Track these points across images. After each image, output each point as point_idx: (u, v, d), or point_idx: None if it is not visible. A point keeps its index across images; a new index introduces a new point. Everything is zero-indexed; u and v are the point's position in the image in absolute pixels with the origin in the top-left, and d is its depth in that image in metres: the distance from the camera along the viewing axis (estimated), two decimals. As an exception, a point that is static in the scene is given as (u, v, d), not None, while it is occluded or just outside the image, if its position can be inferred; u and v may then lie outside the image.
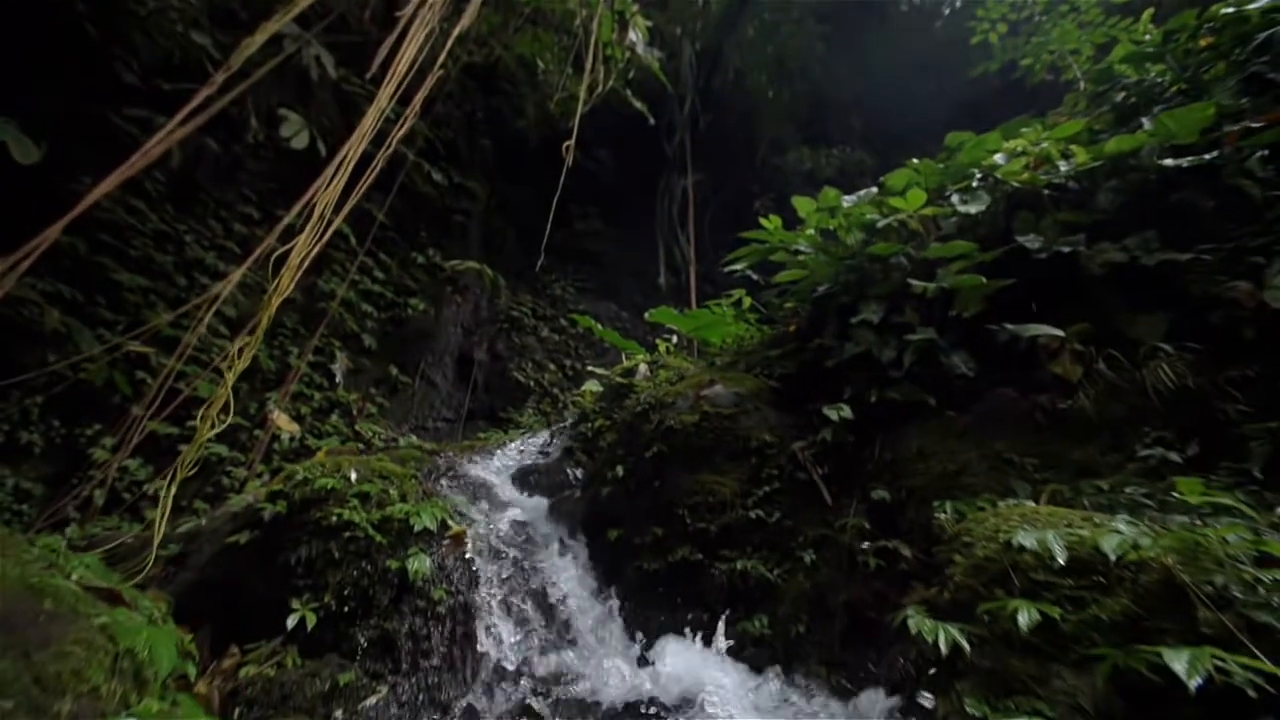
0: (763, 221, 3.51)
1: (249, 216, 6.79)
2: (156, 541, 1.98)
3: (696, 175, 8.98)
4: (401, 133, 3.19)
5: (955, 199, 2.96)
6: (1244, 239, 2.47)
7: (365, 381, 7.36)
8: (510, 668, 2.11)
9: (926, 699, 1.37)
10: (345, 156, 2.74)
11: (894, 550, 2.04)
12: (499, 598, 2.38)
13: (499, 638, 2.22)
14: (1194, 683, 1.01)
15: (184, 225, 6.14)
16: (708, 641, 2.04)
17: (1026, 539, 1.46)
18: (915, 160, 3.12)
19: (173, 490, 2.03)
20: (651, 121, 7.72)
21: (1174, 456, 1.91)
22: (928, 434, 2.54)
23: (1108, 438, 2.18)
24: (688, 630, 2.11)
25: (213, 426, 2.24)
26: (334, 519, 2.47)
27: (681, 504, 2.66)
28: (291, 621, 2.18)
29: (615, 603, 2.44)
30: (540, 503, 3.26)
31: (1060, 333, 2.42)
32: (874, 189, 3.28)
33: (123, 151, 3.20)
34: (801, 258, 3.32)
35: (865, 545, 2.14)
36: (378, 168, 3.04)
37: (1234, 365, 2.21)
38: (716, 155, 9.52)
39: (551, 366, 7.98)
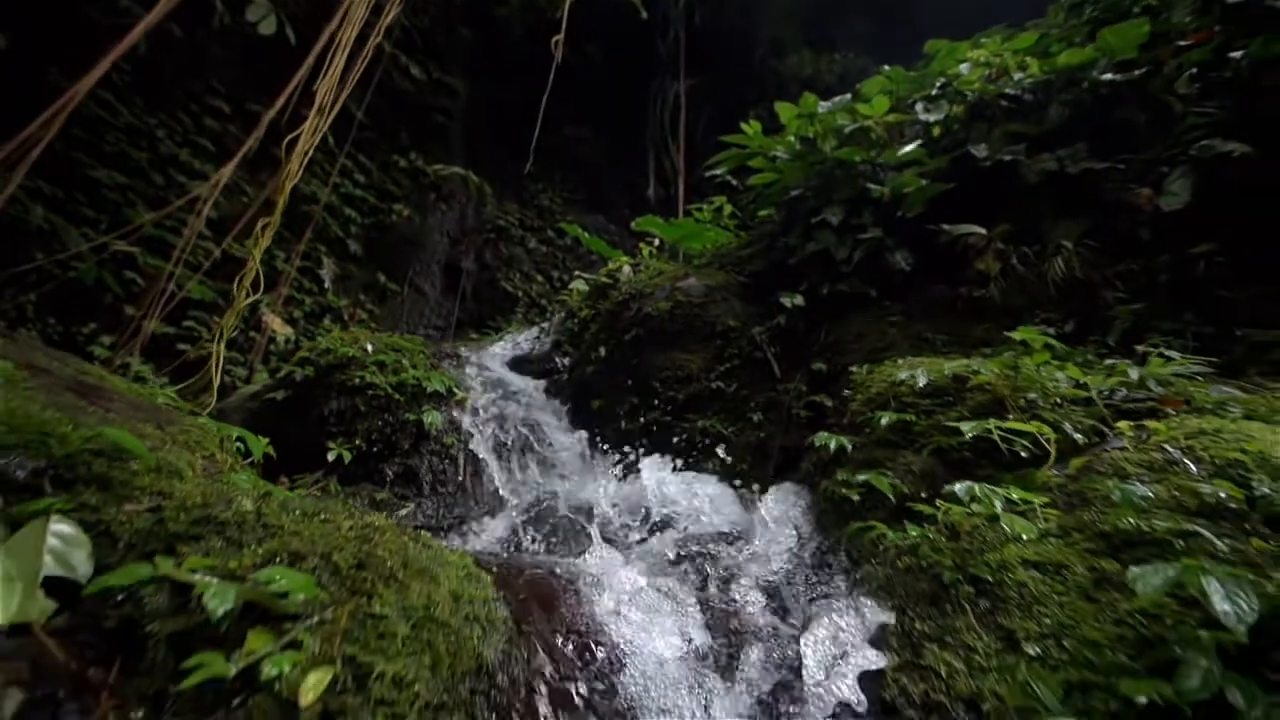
0: (744, 126, 3.78)
1: (219, 110, 6.75)
2: (216, 383, 2.47)
3: (691, 79, 8.83)
4: (389, 19, 3.32)
5: (919, 107, 3.27)
6: (1160, 151, 2.87)
7: (354, 288, 7.70)
8: (513, 494, 2.73)
9: (815, 480, 1.98)
10: (338, 40, 2.93)
11: (820, 403, 2.62)
12: (502, 446, 2.97)
13: (503, 473, 2.83)
14: (969, 435, 1.58)
15: (154, 119, 6.14)
16: (673, 470, 2.66)
17: (902, 374, 2.01)
18: (888, 67, 3.37)
19: (222, 344, 2.50)
20: (644, 15, 7.50)
21: (1051, 331, 2.44)
22: (866, 321, 3.06)
23: (1007, 320, 2.71)
24: (658, 462, 2.73)
25: (247, 296, 2.67)
26: (357, 380, 2.99)
27: (655, 378, 3.21)
28: (330, 457, 2.75)
29: (599, 449, 3.05)
30: (532, 383, 3.81)
31: (984, 232, 2.87)
32: (849, 95, 3.55)
33: (87, 38, 3.28)
34: (776, 163, 3.64)
35: (799, 401, 2.71)
36: (369, 55, 3.22)
37: (1124, 261, 2.71)
38: (712, 57, 9.27)
39: (539, 278, 8.33)
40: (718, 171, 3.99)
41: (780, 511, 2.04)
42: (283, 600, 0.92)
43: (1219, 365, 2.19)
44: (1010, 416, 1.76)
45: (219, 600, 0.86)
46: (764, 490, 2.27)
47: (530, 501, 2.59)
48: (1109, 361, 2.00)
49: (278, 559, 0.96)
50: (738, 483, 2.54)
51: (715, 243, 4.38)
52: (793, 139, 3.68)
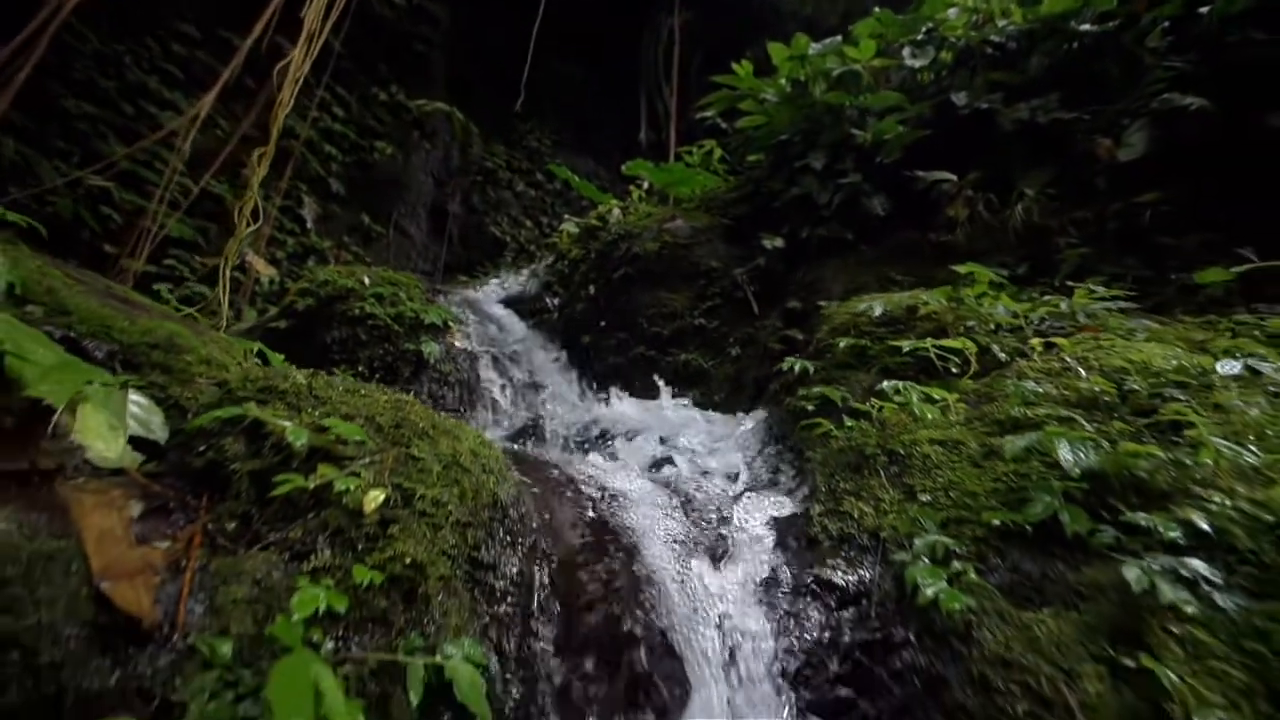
0: (735, 67, 3.87)
1: (187, 36, 6.56)
2: (225, 307, 2.68)
3: (685, 14, 8.62)
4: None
5: (906, 52, 3.40)
6: (1127, 103, 3.07)
7: (337, 229, 7.71)
8: (508, 417, 3.02)
9: (781, 399, 2.29)
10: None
11: (792, 337, 2.91)
12: (496, 374, 3.24)
13: (499, 398, 3.11)
14: (907, 351, 1.88)
15: (121, 46, 5.97)
16: (655, 398, 2.96)
17: (861, 305, 2.29)
18: (878, 10, 3.47)
19: (228, 270, 2.69)
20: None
21: (1004, 272, 2.72)
22: (842, 263, 3.31)
23: (969, 262, 2.98)
24: (643, 390, 3.03)
25: (248, 225, 2.83)
26: (357, 310, 3.20)
27: (642, 315, 3.47)
28: (336, 380, 3.00)
29: (587, 381, 3.34)
30: (523, 321, 4.05)
31: (955, 179, 3.09)
32: (839, 37, 3.65)
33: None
34: (766, 106, 3.77)
35: (774, 336, 3.00)
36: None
37: (1080, 209, 2.97)
38: (710, -11, 9.00)
39: (528, 223, 8.39)
40: (708, 113, 4.10)
41: (749, 426, 2.36)
42: (341, 445, 1.20)
43: (1150, 304, 2.50)
44: (950, 339, 2.05)
45: (297, 436, 1.14)
46: (736, 412, 2.58)
47: (524, 423, 2.89)
48: (1046, 296, 2.29)
49: (331, 419, 1.23)
50: (715, 408, 2.85)
51: (704, 187, 4.54)
52: (784, 82, 3.79)
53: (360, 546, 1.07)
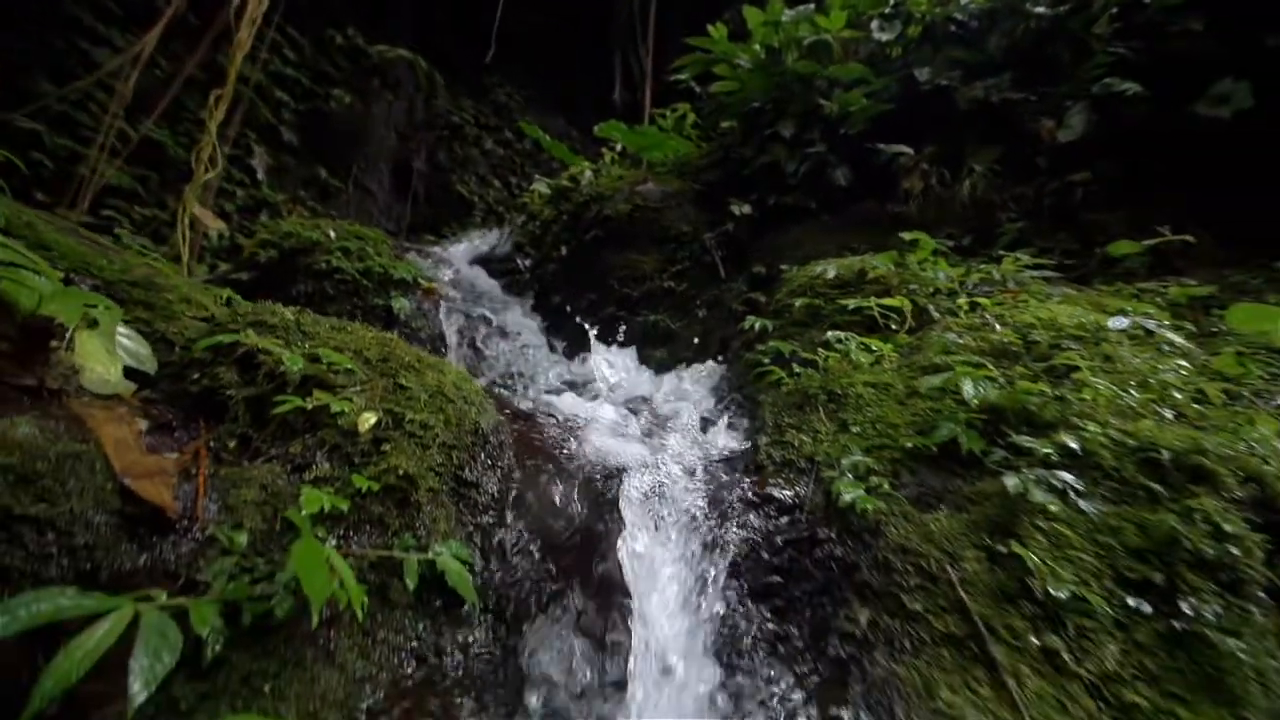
0: (710, 30, 3.93)
1: (122, -39, 6.08)
2: (185, 257, 2.67)
3: (663, -32, 8.45)
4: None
5: (874, 25, 3.54)
6: (1071, 86, 3.32)
7: (291, 182, 7.43)
8: (480, 375, 3.13)
9: (741, 354, 2.49)
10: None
11: (755, 299, 3.11)
12: (469, 331, 3.33)
13: (470, 355, 3.22)
14: (852, 307, 2.09)
15: (43, -37, 5.50)
16: (625, 356, 3.12)
17: (818, 268, 2.49)
18: (851, -22, 3.58)
19: (188, 217, 2.67)
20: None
21: (950, 243, 2.96)
22: (805, 231, 3.50)
23: (922, 233, 3.21)
24: (613, 349, 3.19)
25: (206, 170, 2.79)
26: (323, 264, 3.21)
27: (613, 276, 3.59)
28: (304, 333, 3.03)
29: (558, 341, 3.47)
30: (494, 280, 4.11)
31: (912, 153, 3.30)
32: (812, 5, 3.75)
33: None
34: (739, 72, 3.86)
35: (739, 299, 3.19)
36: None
37: (1021, 186, 3.23)
38: (688, -56, 8.82)
39: (497, 183, 8.27)
40: (683, 76, 4.16)
41: (713, 380, 2.56)
42: (333, 374, 1.32)
43: (1075, 274, 2.80)
44: (892, 299, 2.28)
45: (293, 363, 1.25)
46: (701, 367, 2.78)
47: (496, 378, 3.01)
48: (982, 264, 2.54)
49: (323, 349, 1.34)
50: (682, 365, 3.04)
51: (677, 152, 4.62)
52: (758, 48, 3.88)
53: (356, 461, 1.21)
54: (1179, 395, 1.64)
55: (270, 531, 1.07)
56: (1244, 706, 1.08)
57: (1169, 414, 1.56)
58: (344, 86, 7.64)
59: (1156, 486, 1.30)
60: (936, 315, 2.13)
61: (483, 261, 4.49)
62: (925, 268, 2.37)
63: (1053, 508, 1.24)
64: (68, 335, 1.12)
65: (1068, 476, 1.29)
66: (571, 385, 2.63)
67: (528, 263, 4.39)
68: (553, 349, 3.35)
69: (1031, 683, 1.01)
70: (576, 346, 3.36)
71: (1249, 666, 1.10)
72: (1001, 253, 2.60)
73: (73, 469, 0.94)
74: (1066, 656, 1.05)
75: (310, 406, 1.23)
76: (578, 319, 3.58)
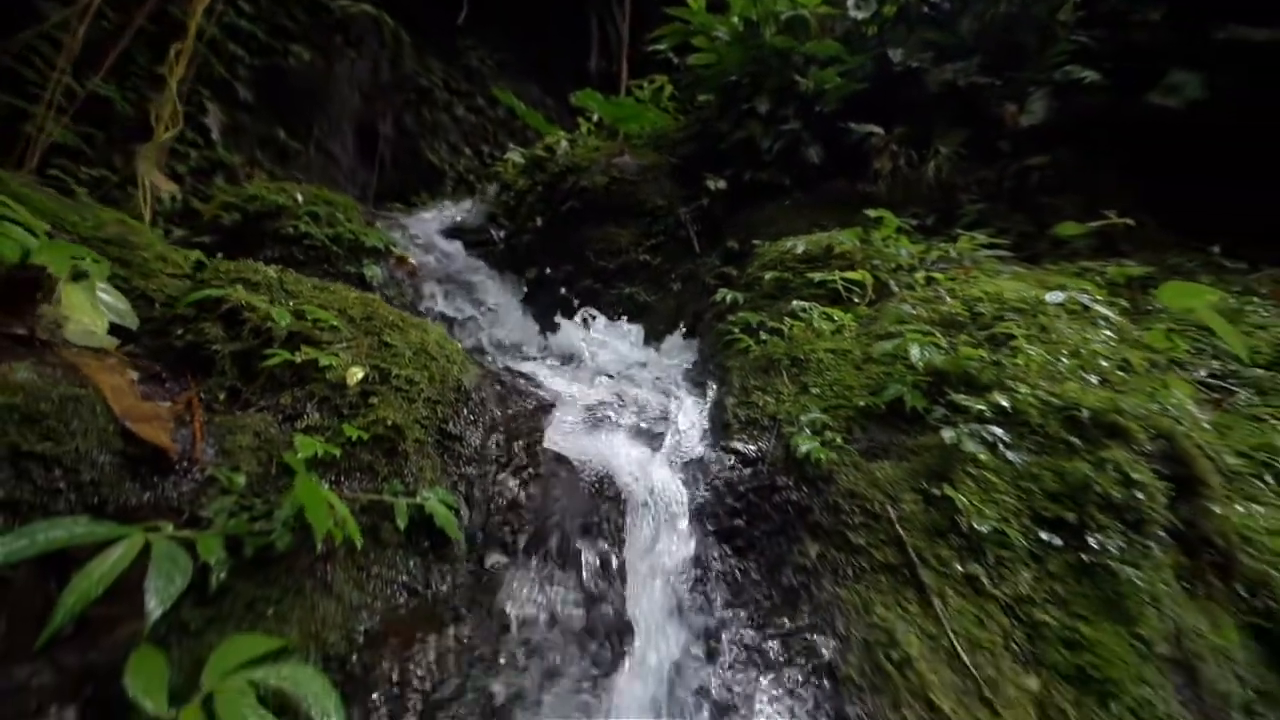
0: (689, 0, 3.96)
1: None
2: (148, 216, 2.62)
3: (642, -69, 8.30)
4: None
5: (851, 2, 3.63)
6: (1034, 72, 3.49)
7: (248, 143, 7.14)
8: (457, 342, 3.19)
9: (713, 326, 2.62)
10: None
11: (728, 273, 3.23)
12: (442, 300, 3.37)
13: (445, 325, 3.26)
14: (817, 280, 2.24)
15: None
16: (603, 328, 3.22)
17: (788, 244, 2.62)
18: (828, -46, 3.65)
19: (149, 176, 2.61)
20: None
21: (913, 221, 3.13)
22: (778, 207, 3.63)
23: (890, 212, 3.38)
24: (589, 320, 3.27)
25: (167, 128, 2.73)
26: (290, 230, 3.19)
27: (589, 249, 3.66)
28: (273, 299, 3.03)
29: (534, 312, 3.54)
30: (468, 251, 4.13)
31: (883, 133, 3.44)
32: (791, -20, 3.81)
33: None
34: (717, 44, 3.91)
35: (712, 273, 3.31)
36: None
37: (984, 169, 3.42)
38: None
39: (468, 152, 8.12)
40: (660, 46, 4.19)
41: (685, 350, 2.69)
42: (319, 331, 1.38)
43: (1027, 254, 3.01)
44: (854, 272, 2.43)
45: (281, 316, 1.31)
46: (675, 338, 2.90)
47: (471, 347, 3.07)
48: (942, 243, 2.71)
49: (306, 308, 1.41)
50: (656, 337, 3.16)
51: (654, 125, 4.66)
52: (736, 20, 3.93)
53: (345, 412, 1.29)
54: (1105, 363, 1.84)
55: (266, 475, 1.15)
56: (1139, 625, 1.28)
57: (1094, 379, 1.75)
58: (303, 42, 7.33)
59: (1075, 440, 1.49)
60: (896, 289, 2.29)
61: (456, 232, 4.49)
62: (888, 244, 2.53)
63: (982, 457, 1.41)
64: (53, 288, 1.16)
65: (998, 430, 1.47)
66: (548, 355, 2.72)
67: (501, 234, 4.41)
68: (528, 320, 3.42)
69: (954, 602, 1.19)
70: (552, 318, 3.44)
71: (1145, 592, 1.31)
72: (959, 232, 2.77)
73: (75, 410, 1.00)
74: (986, 581, 1.23)
75: (299, 360, 1.30)
76: (554, 290, 3.64)
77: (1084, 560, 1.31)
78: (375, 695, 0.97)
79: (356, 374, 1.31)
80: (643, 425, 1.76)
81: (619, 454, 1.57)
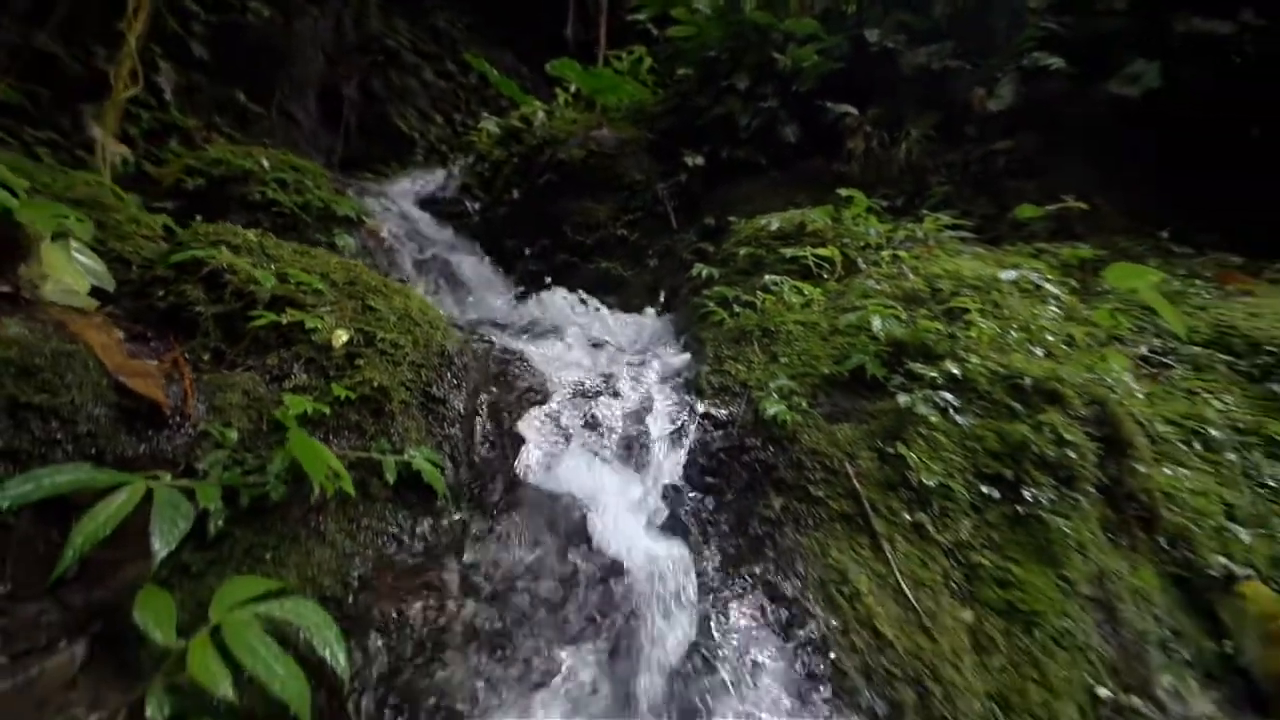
0: (669, -31, 3.95)
1: None
2: (108, 179, 2.55)
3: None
4: None
5: (829, -20, 3.69)
6: (1002, 58, 3.63)
7: (204, 105, 6.84)
8: (429, 314, 3.21)
9: (688, 299, 2.72)
10: None
11: (704, 249, 3.32)
12: (417, 272, 3.38)
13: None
14: (789, 255, 2.35)
15: None
16: (580, 301, 3.28)
17: (763, 221, 2.72)
18: (809, -71, 3.69)
19: (112, 120, 2.56)
20: None
21: (883, 202, 3.27)
22: (754, 185, 3.72)
23: (863, 192, 3.51)
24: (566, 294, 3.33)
25: (126, 87, 2.65)
26: (258, 196, 3.14)
27: (566, 222, 3.70)
28: (241, 268, 3.00)
29: (510, 285, 3.57)
30: (441, 223, 4.11)
31: (858, 113, 3.54)
32: (771, -47, 3.84)
33: None
34: (697, 17, 3.94)
35: (689, 249, 3.40)
36: None
37: (952, 151, 3.57)
38: None
39: (439, 119, 7.94)
40: (640, 16, 4.18)
41: (662, 323, 2.79)
42: (303, 294, 1.43)
43: (989, 236, 3.18)
44: (825, 249, 2.55)
45: (266, 279, 1.35)
46: (652, 313, 2.99)
47: (448, 319, 3.11)
48: (909, 223, 2.85)
49: (289, 271, 1.45)
50: (633, 311, 3.24)
51: (632, 97, 4.67)
52: (718, -8, 3.95)
53: (332, 373, 1.35)
54: (1051, 337, 2.01)
55: (257, 431, 1.21)
56: (1064, 567, 1.45)
57: (1039, 351, 1.92)
58: (261, -2, 7.01)
59: (1017, 405, 1.64)
60: (863, 266, 2.42)
61: (429, 202, 4.46)
62: (858, 223, 2.66)
63: (933, 419, 1.55)
64: (32, 247, 1.18)
65: (949, 396, 1.61)
66: (527, 327, 2.78)
67: (476, 205, 4.40)
68: (506, 293, 3.46)
69: (901, 546, 1.33)
70: (530, 291, 3.48)
71: (1072, 540, 1.48)
72: (926, 213, 2.92)
73: (68, 365, 1.04)
74: (930, 528, 1.38)
75: (285, 322, 1.34)
76: (531, 264, 3.68)
77: (1019, 511, 1.47)
78: (373, 633, 1.06)
79: (342, 337, 1.37)
80: (619, 390, 1.86)
81: (595, 414, 1.67)
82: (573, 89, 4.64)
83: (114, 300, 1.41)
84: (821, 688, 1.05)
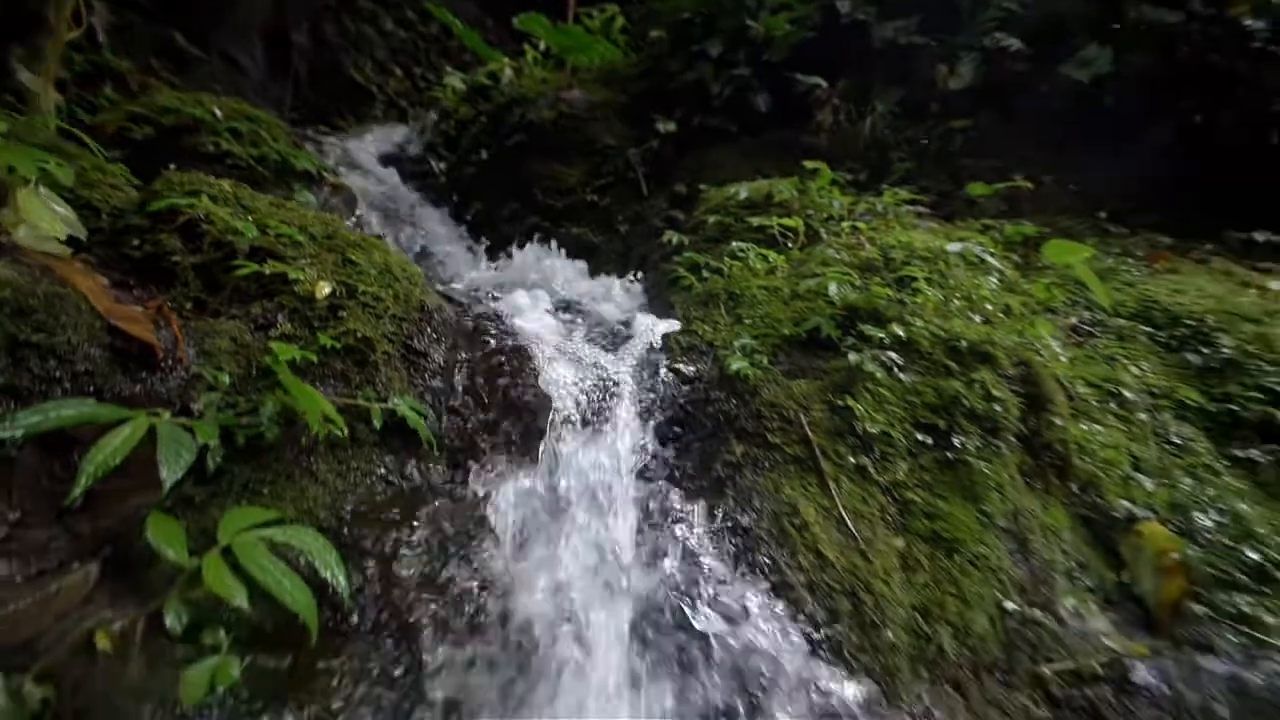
0: (643, -75, 3.93)
1: None
2: (52, 125, 2.45)
3: None
4: None
5: (804, -53, 3.76)
6: (966, 36, 3.80)
7: (141, 48, 6.40)
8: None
9: (659, 266, 2.84)
10: None
11: (675, 217, 3.43)
12: (385, 232, 3.37)
13: (385, 257, 3.28)
14: (755, 224, 2.49)
15: None
16: (550, 266, 3.35)
17: (732, 189, 2.85)
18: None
19: (53, 64, 2.45)
20: None
21: (848, 175, 3.43)
22: (725, 153, 3.82)
23: (829, 165, 3.66)
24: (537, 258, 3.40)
25: (70, 29, 2.53)
26: (211, 147, 3.06)
27: (536, 185, 3.74)
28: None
29: (480, 248, 3.61)
30: (407, 183, 4.07)
31: (827, 85, 3.67)
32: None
33: None
34: (671, -23, 3.94)
35: (660, 216, 3.50)
36: None
37: (914, 128, 3.75)
38: None
39: (398, 71, 7.65)
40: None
41: (632, 287, 2.91)
42: (283, 246, 1.48)
43: (945, 211, 3.39)
44: (790, 219, 2.71)
45: (247, 228, 1.41)
46: (623, 278, 3.10)
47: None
48: (870, 197, 3.03)
49: (269, 223, 1.49)
50: (604, 276, 3.34)
51: (604, 58, 4.65)
52: (691, -48, 3.96)
53: (315, 324, 1.43)
54: (990, 306, 2.23)
55: (246, 376, 1.29)
56: (984, 504, 1.68)
57: (978, 318, 2.13)
58: (198, -73, 6.52)
59: (953, 365, 1.85)
60: (825, 236, 2.59)
61: (392, 160, 4.38)
62: (823, 195, 2.81)
63: (879, 376, 1.74)
64: (7, 192, 1.20)
65: (894, 356, 1.81)
66: (498, 288, 2.85)
67: (442, 165, 4.36)
68: (476, 256, 3.50)
69: (846, 485, 1.52)
70: (499, 254, 3.53)
71: (993, 480, 1.70)
72: (886, 187, 3.10)
73: (61, 306, 1.09)
74: (872, 470, 1.58)
75: (268, 273, 1.40)
76: (501, 226, 3.71)
77: (948, 456, 1.68)
78: (368, 560, 1.18)
79: (324, 288, 1.44)
80: (591, 348, 1.98)
81: (568, 370, 1.79)
82: (541, 46, 4.59)
83: (86, 249, 1.43)
84: (772, 600, 1.23)
